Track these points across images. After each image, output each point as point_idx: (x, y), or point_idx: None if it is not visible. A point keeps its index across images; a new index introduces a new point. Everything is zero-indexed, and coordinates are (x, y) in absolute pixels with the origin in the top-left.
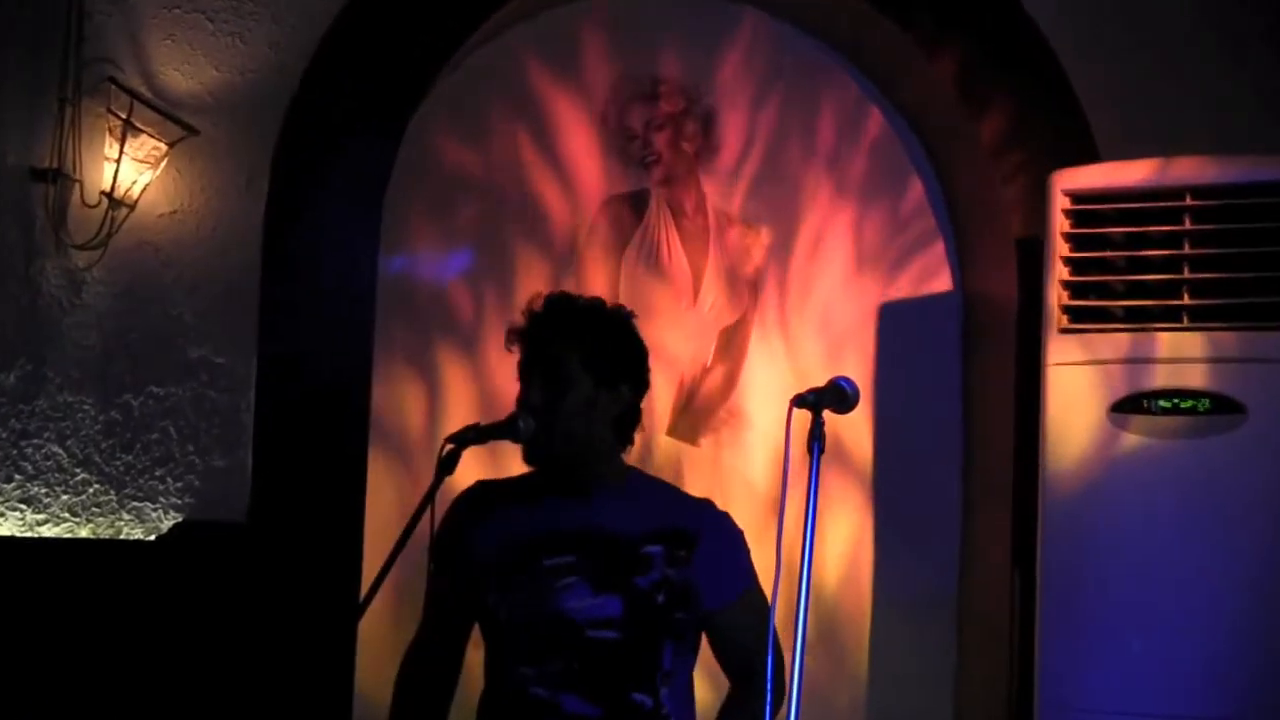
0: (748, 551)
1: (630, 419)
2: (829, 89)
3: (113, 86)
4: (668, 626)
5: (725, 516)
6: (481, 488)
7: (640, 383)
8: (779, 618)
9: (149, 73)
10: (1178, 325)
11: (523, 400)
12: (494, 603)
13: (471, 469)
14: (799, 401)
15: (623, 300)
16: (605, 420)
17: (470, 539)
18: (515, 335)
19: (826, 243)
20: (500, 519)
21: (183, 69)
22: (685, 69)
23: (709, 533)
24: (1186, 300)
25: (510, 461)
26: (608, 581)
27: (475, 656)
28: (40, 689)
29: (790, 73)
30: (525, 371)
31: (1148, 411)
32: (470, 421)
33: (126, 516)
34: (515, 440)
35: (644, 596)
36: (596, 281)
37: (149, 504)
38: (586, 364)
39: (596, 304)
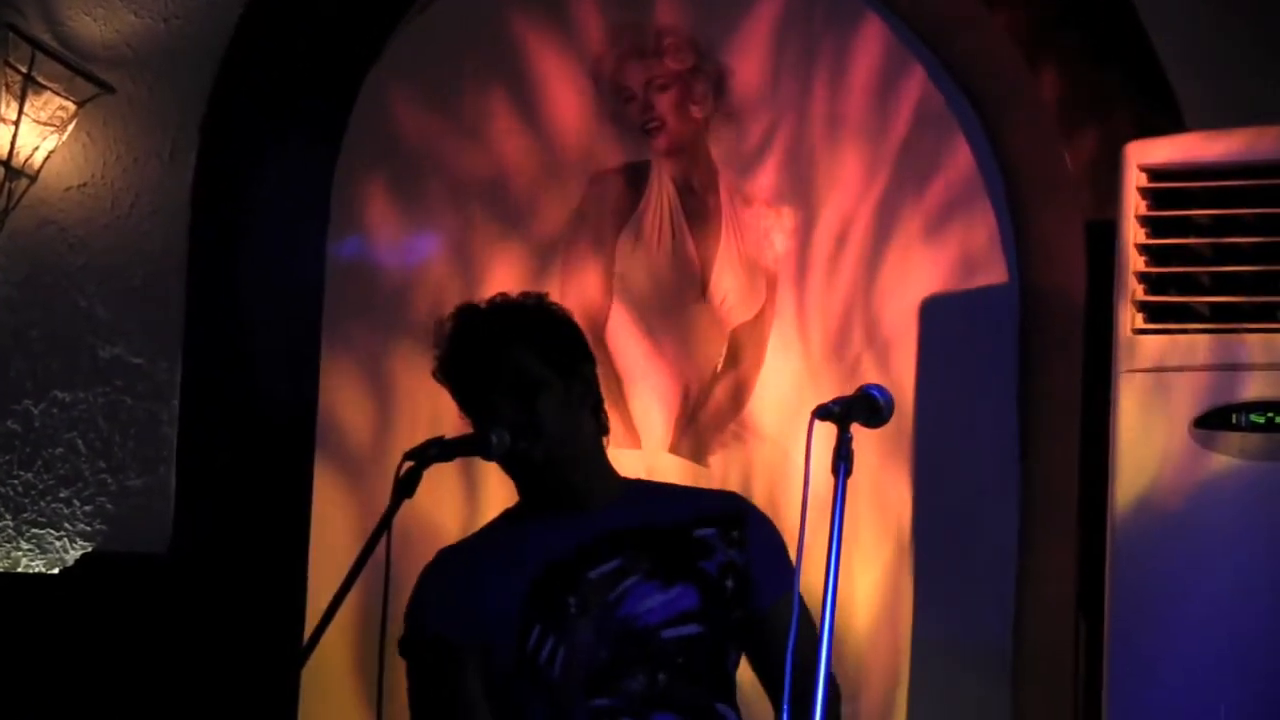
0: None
1: (601, 401)
2: (865, 44)
3: (10, 34)
4: (732, 627)
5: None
6: (451, 552)
7: (592, 358)
8: None
9: (55, 18)
10: (1273, 325)
11: (489, 417)
12: (531, 650)
13: (434, 489)
14: (822, 413)
15: (618, 294)
16: (584, 411)
17: (476, 601)
18: (450, 358)
19: (860, 226)
20: (506, 566)
21: (95, 14)
22: (695, 18)
23: (753, 517)
24: None
25: (487, 478)
26: (673, 572)
27: None
28: None
29: (820, 25)
30: (479, 391)
31: (1238, 427)
32: (434, 435)
33: (25, 546)
34: (486, 457)
35: (716, 584)
36: (586, 270)
37: (52, 531)
38: (546, 359)
39: (510, 298)
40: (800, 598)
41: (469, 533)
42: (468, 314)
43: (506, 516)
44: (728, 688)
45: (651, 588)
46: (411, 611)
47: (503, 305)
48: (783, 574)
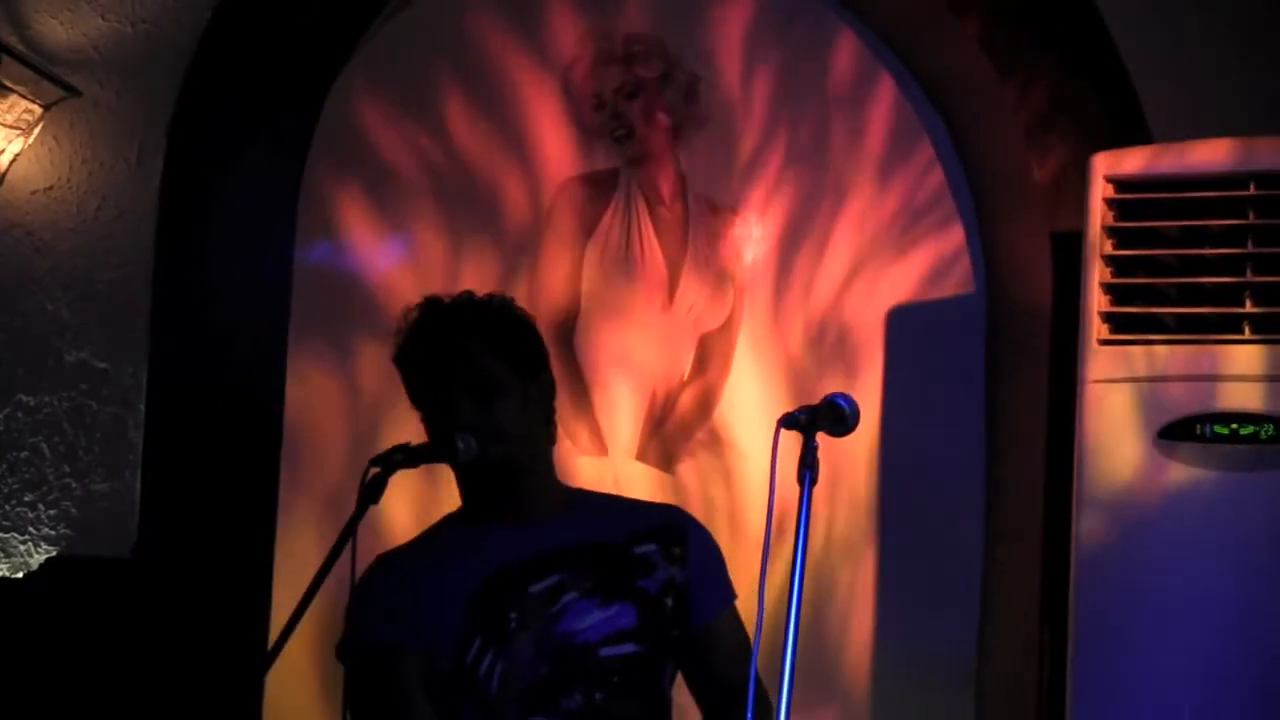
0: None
1: (554, 410)
2: (836, 54)
3: None
4: (670, 644)
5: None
6: (391, 557)
7: (549, 365)
8: (762, 675)
9: (20, 20)
10: (1238, 337)
11: (449, 419)
12: (470, 663)
13: (400, 496)
14: (788, 421)
15: (586, 301)
16: (539, 417)
17: (416, 608)
18: (411, 348)
19: (828, 235)
20: (447, 574)
21: (62, 17)
22: (664, 27)
23: (694, 532)
24: (1249, 308)
25: (452, 484)
26: (612, 590)
27: None
28: None
29: (790, 34)
30: (437, 386)
31: (1202, 438)
32: (400, 441)
33: None
34: (453, 463)
35: (655, 602)
36: (553, 277)
37: (16, 535)
38: (507, 361)
39: (476, 296)
40: (736, 613)
41: None
42: (433, 307)
43: (449, 521)
44: (663, 705)
45: (590, 605)
46: (351, 616)
47: (468, 302)
48: (721, 591)
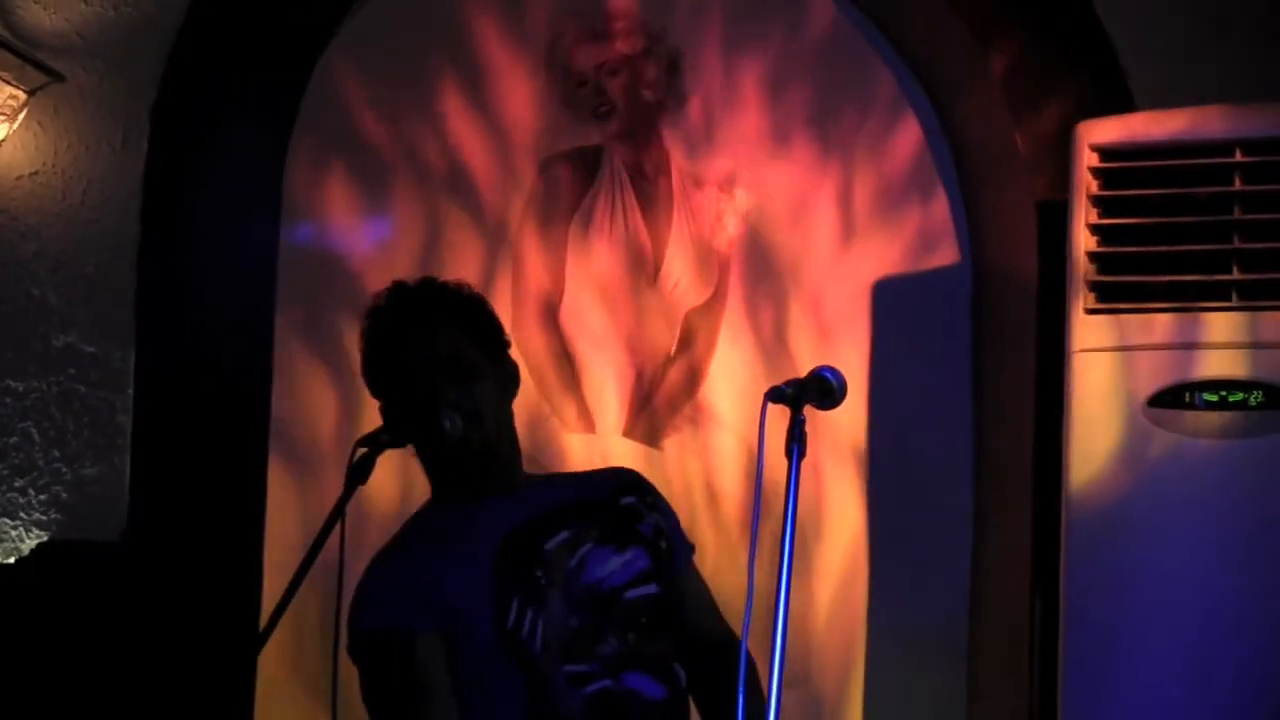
0: None
1: (515, 393)
2: (816, 26)
3: None
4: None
5: None
6: (388, 551)
7: (509, 349)
8: (752, 651)
9: (3, 6)
10: (1226, 304)
11: (432, 399)
12: (512, 625)
13: (388, 476)
14: (775, 395)
15: (570, 278)
16: (509, 398)
17: (432, 588)
18: (384, 334)
19: (812, 209)
20: (454, 549)
21: (45, 2)
22: (646, 2)
23: (652, 489)
24: (1236, 274)
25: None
26: (622, 537)
27: None
28: None
29: (770, 7)
30: (417, 369)
31: (1190, 406)
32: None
33: None
34: (438, 442)
35: (654, 545)
36: (537, 255)
37: (6, 521)
38: (479, 344)
39: (438, 281)
40: (696, 568)
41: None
42: (403, 291)
43: (431, 507)
44: (675, 649)
45: (608, 552)
46: (361, 612)
47: (436, 287)
48: (685, 542)
